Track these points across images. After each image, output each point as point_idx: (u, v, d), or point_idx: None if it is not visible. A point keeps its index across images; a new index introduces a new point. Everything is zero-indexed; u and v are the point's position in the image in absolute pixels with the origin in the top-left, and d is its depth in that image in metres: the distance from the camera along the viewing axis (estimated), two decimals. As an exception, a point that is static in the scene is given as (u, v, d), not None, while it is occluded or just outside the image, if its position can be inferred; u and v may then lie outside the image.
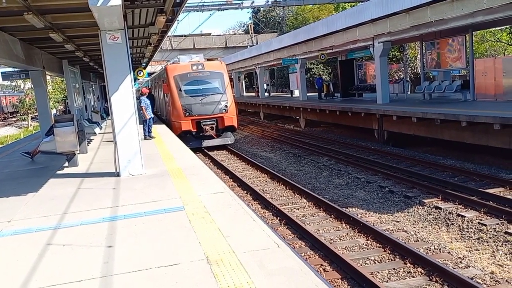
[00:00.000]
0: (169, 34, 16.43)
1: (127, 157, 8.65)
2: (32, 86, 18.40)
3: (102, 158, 11.47)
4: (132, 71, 8.62)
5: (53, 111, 30.10)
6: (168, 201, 6.62)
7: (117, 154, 8.67)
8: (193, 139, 18.69)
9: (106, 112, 25.42)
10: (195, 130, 18.77)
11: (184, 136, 17.96)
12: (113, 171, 8.95)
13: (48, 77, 24.46)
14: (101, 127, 18.72)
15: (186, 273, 4.08)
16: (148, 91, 16.80)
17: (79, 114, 15.52)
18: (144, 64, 27.17)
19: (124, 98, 8.48)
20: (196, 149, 17.73)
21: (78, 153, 10.55)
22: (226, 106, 18.97)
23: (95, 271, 4.28)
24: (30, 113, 48.28)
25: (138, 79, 27.11)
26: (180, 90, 18.82)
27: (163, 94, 22.36)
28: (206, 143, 18.98)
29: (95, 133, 15.49)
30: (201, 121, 18.68)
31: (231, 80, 28.42)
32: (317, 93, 29.93)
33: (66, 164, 10.37)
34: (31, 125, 47.04)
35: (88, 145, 13.32)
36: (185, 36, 44.06)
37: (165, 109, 22.72)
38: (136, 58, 22.68)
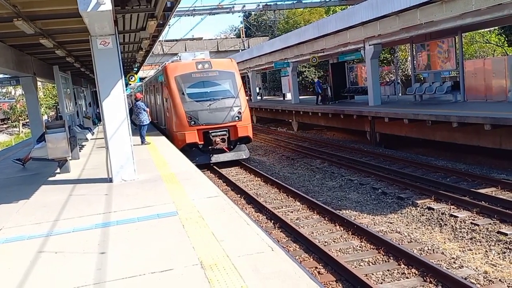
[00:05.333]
0: (160, 38, 16.22)
1: (120, 163, 8.61)
2: (23, 92, 18.27)
3: (94, 164, 11.40)
4: (123, 76, 8.60)
5: (45, 117, 29.95)
6: (161, 206, 6.59)
7: (109, 159, 8.62)
8: (200, 154, 15.72)
9: (98, 118, 25.29)
10: (202, 142, 15.64)
11: (188, 150, 15.13)
12: (106, 177, 8.90)
13: (39, 83, 24.31)
14: (93, 132, 18.60)
15: (180, 279, 4.07)
16: (141, 96, 16.63)
17: (70, 120, 15.44)
18: (136, 69, 27.10)
19: (116, 103, 8.45)
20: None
21: (70, 159, 10.49)
22: (239, 112, 15.87)
23: (88, 278, 4.24)
24: (21, 119, 47.92)
25: (130, 84, 26.99)
26: (183, 93, 15.79)
27: (161, 99, 18.99)
28: (216, 158, 15.84)
29: (87, 139, 15.40)
30: (210, 131, 15.54)
31: None
32: (309, 96, 29.61)
33: (58, 170, 10.30)
34: (22, 131, 46.69)
35: (80, 151, 13.24)
36: (176, 40, 44.01)
37: (163, 117, 19.05)
38: (127, 63, 22.63)
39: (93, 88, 29.56)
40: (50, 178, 9.90)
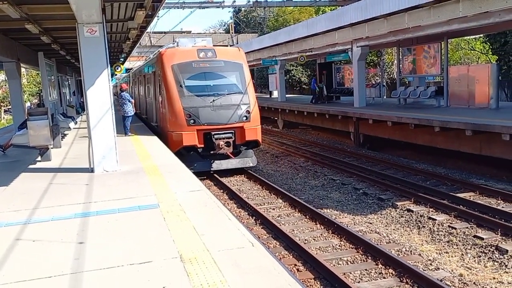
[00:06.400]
0: (148, 30, 16.02)
1: (102, 153, 8.53)
2: (6, 78, 17.93)
3: (76, 153, 11.27)
4: (109, 66, 8.52)
5: (27, 104, 29.46)
6: (143, 198, 6.56)
7: (91, 149, 8.54)
8: (199, 159, 13.27)
9: (81, 107, 24.97)
10: (202, 146, 13.18)
11: (185, 154, 12.97)
12: (87, 166, 8.81)
13: (23, 69, 23.90)
14: (76, 122, 18.36)
15: (159, 271, 4.06)
16: (127, 87, 16.42)
17: (53, 108, 15.22)
18: (122, 60, 26.84)
19: (100, 92, 8.36)
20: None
21: (52, 148, 10.35)
22: (248, 111, 13.46)
23: (65, 268, 4.20)
24: (3, 106, 47.05)
25: (116, 75, 26.69)
26: (181, 86, 13.30)
27: (153, 91, 16.23)
28: (218, 165, 13.35)
29: (69, 128, 15.22)
30: (212, 133, 13.04)
31: None
32: (295, 94, 29.60)
33: (39, 158, 10.16)
34: (4, 118, 45.87)
35: (62, 140, 13.08)
36: (165, 32, 43.66)
37: (155, 113, 16.37)
38: (114, 53, 22.38)
39: (77, 77, 29.16)
40: (31, 166, 9.76)
